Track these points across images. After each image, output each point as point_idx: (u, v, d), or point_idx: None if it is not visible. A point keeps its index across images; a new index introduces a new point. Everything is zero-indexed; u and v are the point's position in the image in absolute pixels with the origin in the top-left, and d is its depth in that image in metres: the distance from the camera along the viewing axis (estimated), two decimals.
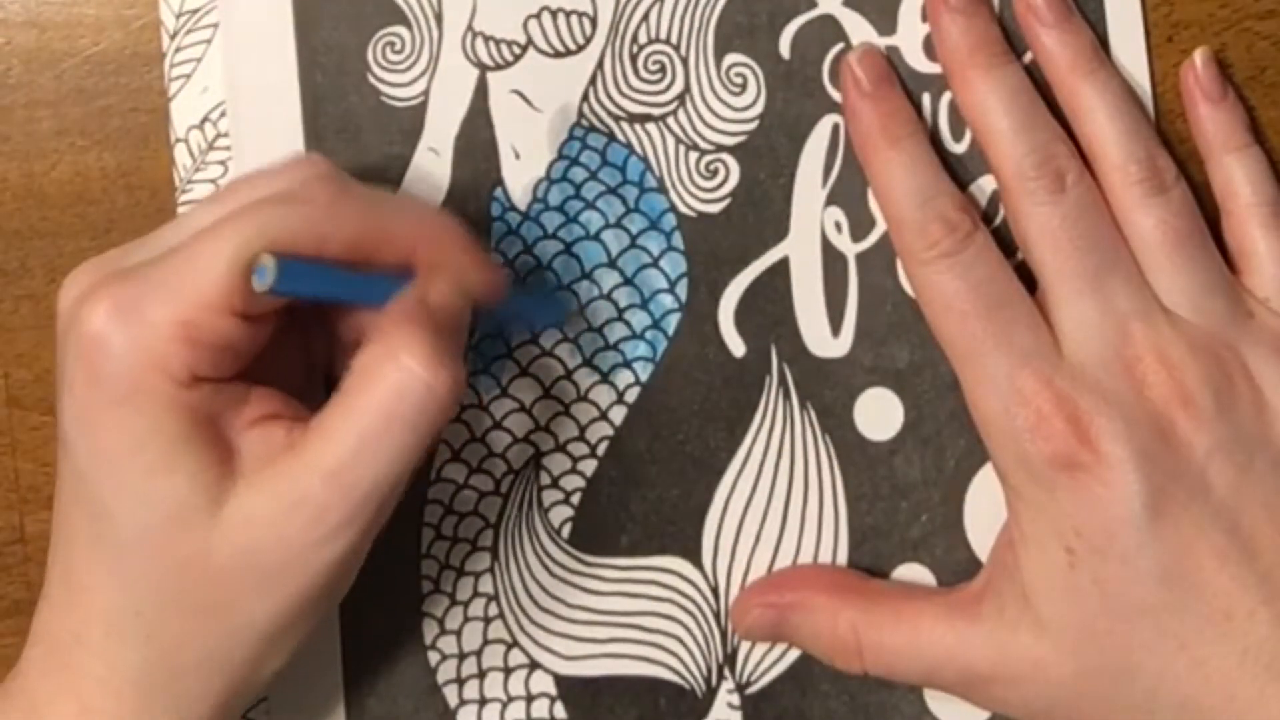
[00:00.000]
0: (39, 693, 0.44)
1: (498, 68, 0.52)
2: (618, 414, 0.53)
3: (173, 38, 0.52)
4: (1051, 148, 0.50)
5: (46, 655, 0.45)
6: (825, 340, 0.53)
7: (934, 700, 0.52)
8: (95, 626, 0.44)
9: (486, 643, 0.52)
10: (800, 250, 0.53)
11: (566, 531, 0.52)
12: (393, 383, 0.42)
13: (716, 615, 0.52)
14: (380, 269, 0.45)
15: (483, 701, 0.52)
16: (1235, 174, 0.51)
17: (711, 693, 0.52)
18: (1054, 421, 0.47)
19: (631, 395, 0.53)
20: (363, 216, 0.44)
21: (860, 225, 0.53)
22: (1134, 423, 0.47)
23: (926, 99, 0.53)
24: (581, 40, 0.52)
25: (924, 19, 0.52)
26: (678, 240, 0.53)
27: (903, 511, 0.53)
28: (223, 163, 0.52)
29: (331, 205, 0.44)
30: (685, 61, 0.53)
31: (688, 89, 0.53)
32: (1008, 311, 0.49)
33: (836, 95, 0.53)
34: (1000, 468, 0.49)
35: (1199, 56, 0.52)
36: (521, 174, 0.52)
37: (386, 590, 0.52)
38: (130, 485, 0.42)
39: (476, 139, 0.52)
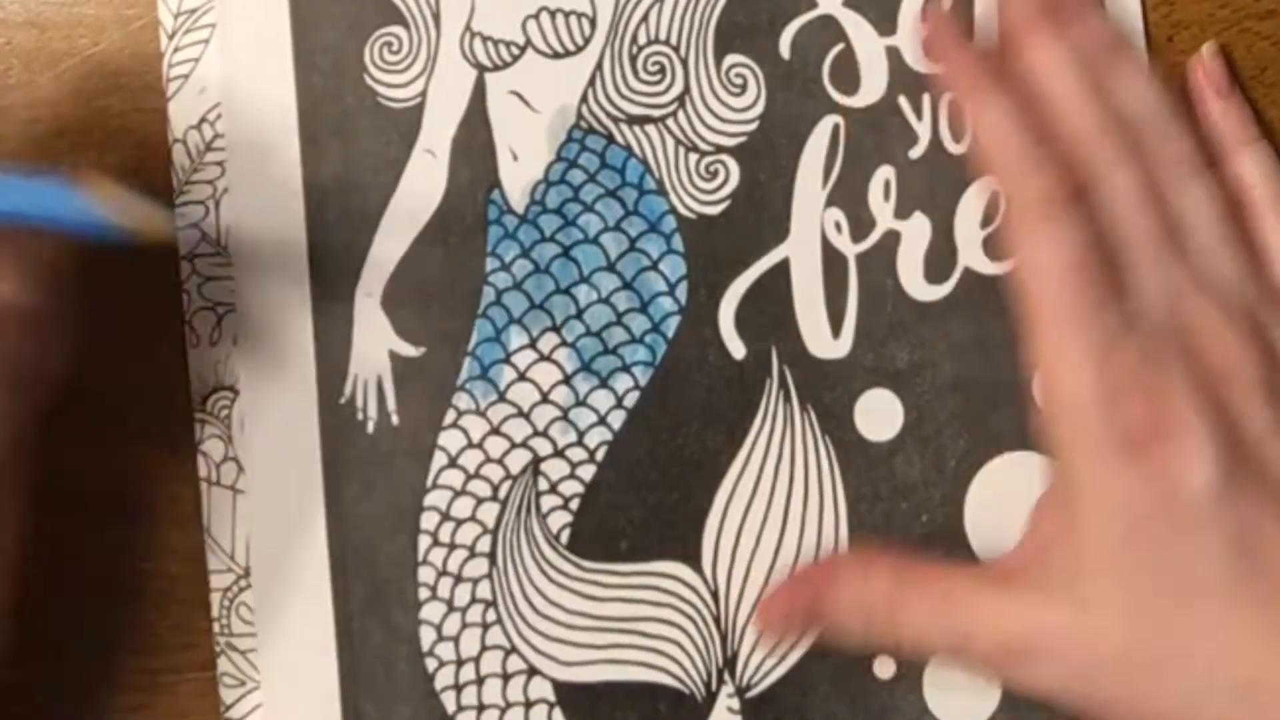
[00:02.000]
0: None
1: (496, 68, 0.52)
2: (617, 418, 0.52)
3: (171, 38, 0.52)
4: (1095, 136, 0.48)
5: None
6: (825, 342, 0.52)
7: (935, 701, 0.52)
8: None
9: (485, 649, 0.52)
10: (800, 251, 0.52)
11: (565, 537, 0.52)
12: None
13: (716, 620, 0.52)
14: None
15: (481, 708, 0.52)
16: (1250, 168, 0.51)
17: (711, 697, 0.52)
18: (1138, 393, 0.45)
19: (631, 400, 0.52)
20: None
21: (860, 226, 0.53)
22: (1207, 397, 0.45)
23: (927, 99, 0.52)
24: (580, 41, 0.52)
25: (925, 20, 0.52)
26: (677, 243, 0.52)
27: (903, 512, 0.52)
28: (219, 164, 0.52)
29: None
30: (685, 62, 0.53)
31: (687, 90, 0.53)
32: (1105, 282, 0.47)
33: (837, 96, 0.53)
34: (1065, 441, 0.47)
35: (1207, 51, 0.52)
36: (519, 176, 0.52)
37: (384, 596, 0.52)
38: None
39: (474, 140, 0.52)
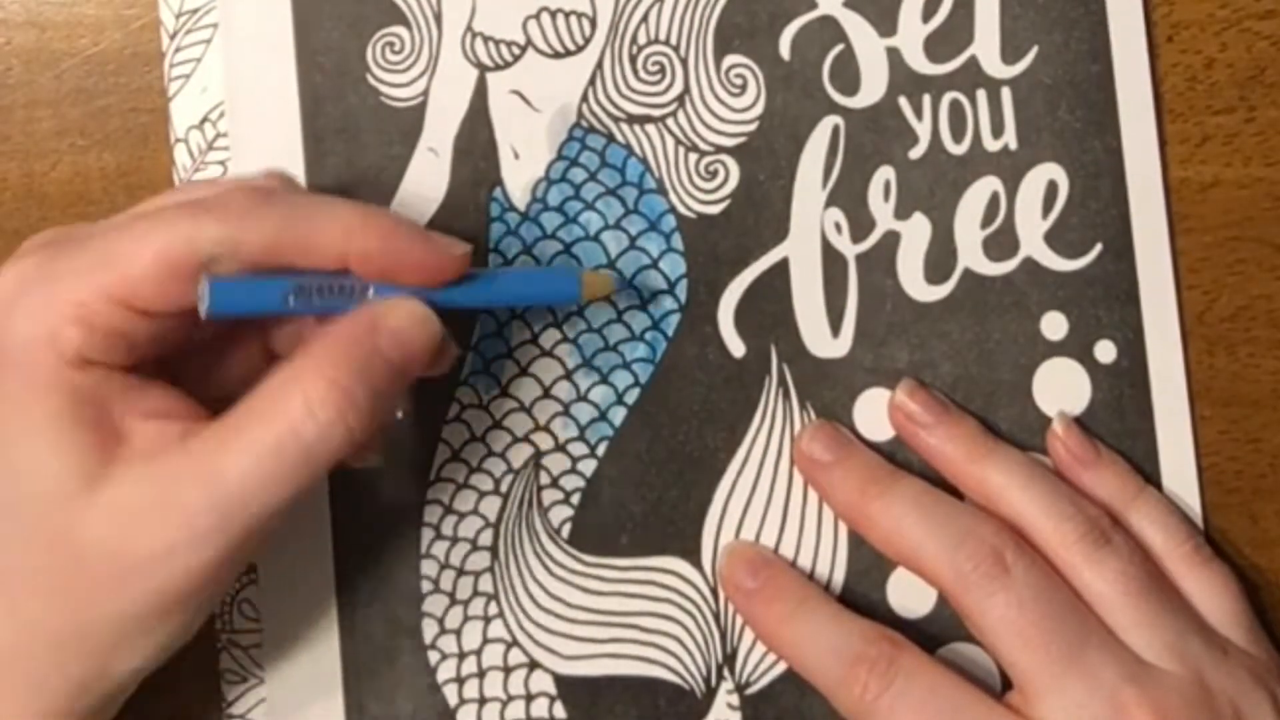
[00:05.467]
0: None
1: (497, 68, 0.52)
2: (617, 414, 0.53)
3: (172, 38, 0.52)
4: (977, 531, 0.49)
5: None
6: (825, 341, 0.53)
7: None
8: None
9: (486, 642, 0.52)
10: (800, 251, 0.53)
11: (566, 531, 0.52)
12: (293, 417, 0.42)
13: (716, 616, 0.52)
14: (316, 273, 0.44)
15: (482, 701, 0.52)
16: (1142, 525, 0.52)
17: (711, 693, 0.52)
18: None
19: (631, 396, 0.53)
20: (281, 220, 0.44)
21: (860, 226, 0.53)
22: None
23: (927, 100, 0.53)
24: (581, 41, 0.52)
25: (924, 19, 0.53)
26: (677, 241, 0.53)
27: None
28: (222, 163, 0.52)
29: (246, 210, 0.43)
30: (685, 62, 0.53)
31: (687, 90, 0.53)
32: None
33: (837, 96, 0.53)
34: None
35: (1059, 426, 0.53)
36: (521, 174, 0.52)
37: (386, 589, 0.52)
38: (10, 448, 0.42)
39: (476, 139, 0.52)
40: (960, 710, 0.48)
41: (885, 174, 0.53)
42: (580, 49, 0.52)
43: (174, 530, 0.41)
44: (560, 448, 0.53)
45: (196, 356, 0.47)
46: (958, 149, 0.53)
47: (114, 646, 0.43)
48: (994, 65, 0.53)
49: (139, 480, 0.42)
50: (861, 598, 0.53)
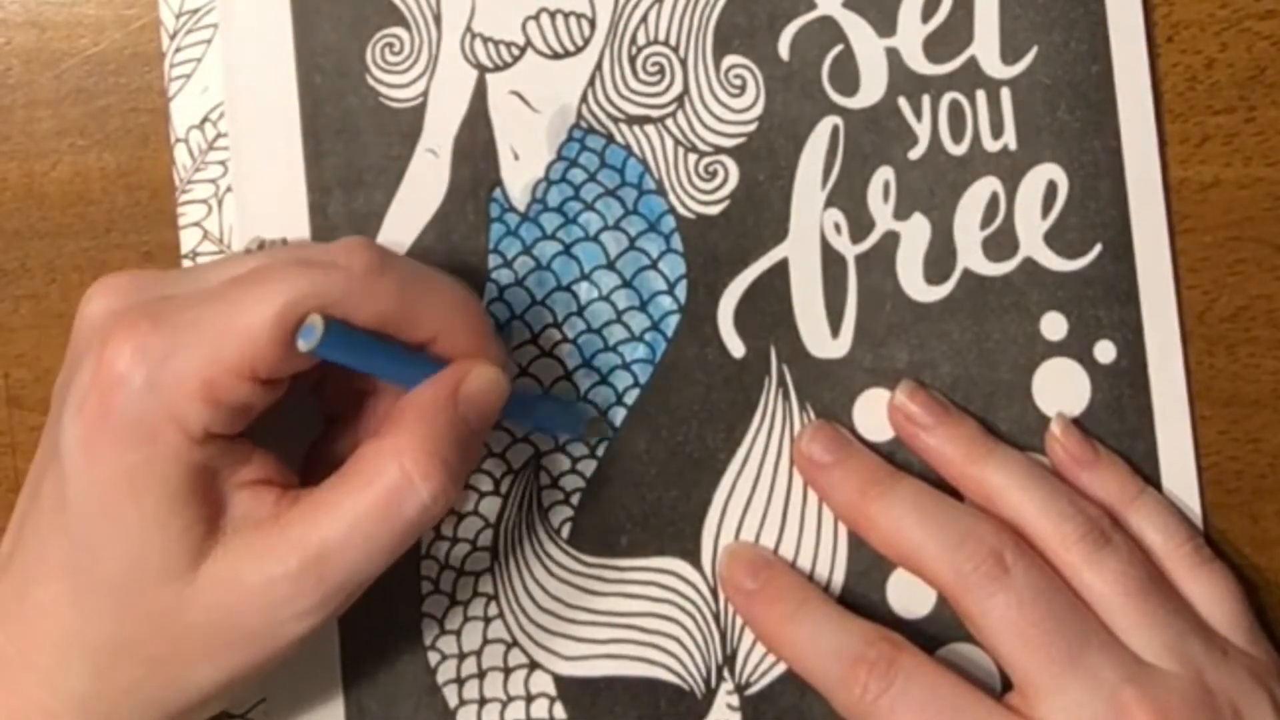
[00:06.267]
0: None
1: (496, 69, 0.52)
2: (617, 415, 0.53)
3: (172, 38, 0.52)
4: (976, 531, 0.49)
5: None
6: (824, 341, 0.53)
7: None
8: (46, 652, 0.43)
9: (486, 643, 0.52)
10: (799, 252, 0.53)
11: (566, 532, 0.53)
12: (391, 484, 0.42)
13: (716, 616, 0.52)
14: (404, 344, 0.45)
15: (482, 701, 0.52)
16: (1142, 526, 0.52)
17: (711, 694, 0.52)
18: None
19: (631, 397, 0.53)
20: (398, 290, 0.44)
21: (860, 227, 0.53)
22: None
23: (926, 100, 0.53)
24: (580, 41, 0.52)
25: (924, 20, 0.52)
26: (677, 242, 0.53)
27: None
28: (222, 163, 0.52)
29: (368, 275, 0.43)
30: (684, 63, 0.53)
31: (686, 90, 0.53)
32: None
33: (836, 97, 0.53)
34: None
35: (1057, 428, 0.53)
36: (520, 175, 0.52)
37: (386, 591, 0.52)
38: (121, 528, 0.42)
39: (475, 140, 0.52)
40: (960, 710, 0.48)
41: (885, 174, 0.53)
42: (580, 50, 0.52)
43: (278, 608, 0.42)
44: (560, 448, 0.53)
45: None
46: (957, 149, 0.53)
47: (198, 707, 0.45)
48: (993, 65, 0.53)
49: (241, 557, 0.43)
50: (861, 598, 0.53)
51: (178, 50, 0.52)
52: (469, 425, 0.45)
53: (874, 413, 0.53)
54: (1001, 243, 0.53)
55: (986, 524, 0.49)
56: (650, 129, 0.53)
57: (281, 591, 0.42)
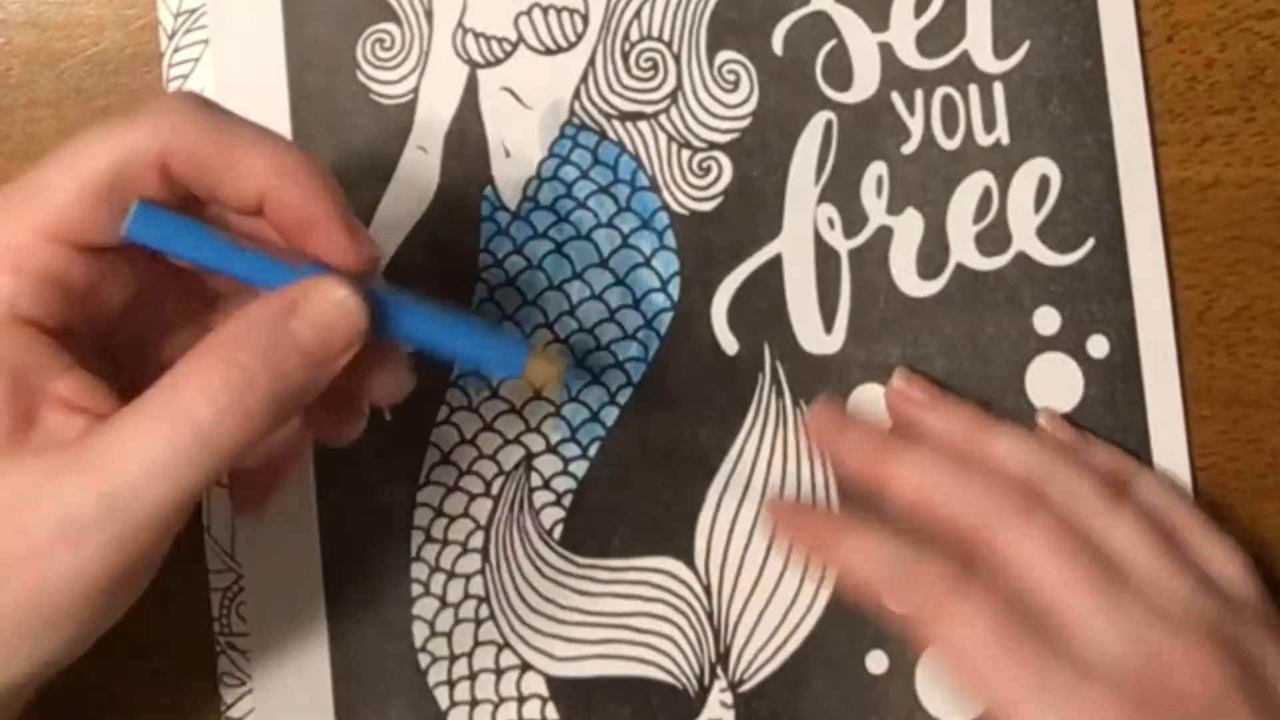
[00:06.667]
0: None
1: (488, 65, 0.52)
2: (610, 415, 0.52)
3: (171, 38, 0.52)
4: (1003, 485, 0.49)
5: None
6: (818, 337, 0.52)
7: (925, 694, 0.52)
8: None
9: (478, 644, 0.52)
10: (793, 247, 0.52)
11: (558, 533, 0.52)
12: (187, 402, 0.38)
13: (709, 615, 0.52)
14: (231, 211, 0.42)
15: (474, 703, 0.52)
16: (1149, 497, 0.51)
17: (704, 692, 0.52)
18: None
19: (624, 396, 0.52)
20: (214, 128, 0.40)
21: (853, 222, 0.52)
22: None
23: (919, 94, 0.52)
24: (573, 37, 0.52)
25: (916, 14, 0.52)
26: (670, 239, 0.52)
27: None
28: None
29: (180, 115, 0.40)
30: (677, 59, 0.53)
31: (680, 86, 0.53)
32: (1039, 635, 0.47)
33: (829, 92, 0.53)
34: None
35: (1044, 420, 0.53)
36: (512, 172, 0.52)
37: (377, 593, 0.52)
38: None
39: (466, 137, 0.52)
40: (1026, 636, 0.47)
41: (878, 169, 0.53)
42: (572, 45, 0.52)
43: (49, 528, 0.38)
44: (552, 449, 0.52)
45: (136, 343, 0.44)
46: (950, 144, 0.52)
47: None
48: (986, 60, 0.53)
49: (27, 473, 0.38)
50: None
51: (176, 50, 0.52)
52: (300, 346, 0.39)
53: (868, 409, 0.52)
54: (994, 237, 0.52)
55: (1009, 481, 0.49)
56: (643, 125, 0.52)
57: (53, 512, 0.37)
